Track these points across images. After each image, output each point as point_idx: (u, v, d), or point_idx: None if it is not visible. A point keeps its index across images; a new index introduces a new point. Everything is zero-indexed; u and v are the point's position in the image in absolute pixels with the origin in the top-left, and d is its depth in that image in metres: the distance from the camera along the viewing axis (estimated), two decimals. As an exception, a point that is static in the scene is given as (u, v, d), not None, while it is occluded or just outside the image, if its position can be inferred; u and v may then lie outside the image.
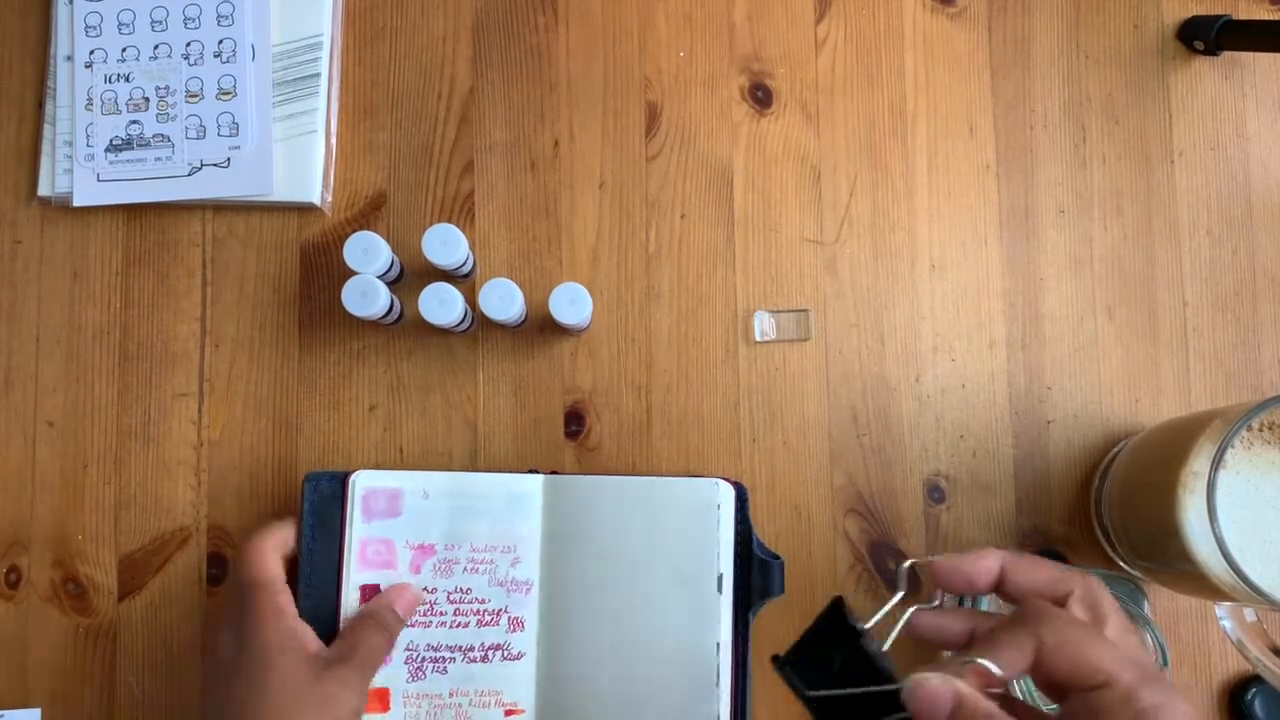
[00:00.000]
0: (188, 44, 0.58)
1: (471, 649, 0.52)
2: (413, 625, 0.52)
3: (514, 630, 0.53)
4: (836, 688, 0.35)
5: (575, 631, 0.52)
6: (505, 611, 0.53)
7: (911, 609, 0.38)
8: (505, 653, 0.52)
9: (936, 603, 0.39)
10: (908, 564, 0.40)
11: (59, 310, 0.58)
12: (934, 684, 0.33)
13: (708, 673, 0.50)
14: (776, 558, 0.53)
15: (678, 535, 0.52)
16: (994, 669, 0.33)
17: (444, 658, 0.52)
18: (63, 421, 0.58)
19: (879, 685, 0.34)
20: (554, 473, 0.54)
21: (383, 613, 0.50)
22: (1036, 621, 0.34)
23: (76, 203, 0.58)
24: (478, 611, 0.53)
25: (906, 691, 0.33)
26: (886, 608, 0.38)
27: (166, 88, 0.58)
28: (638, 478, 0.54)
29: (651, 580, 0.52)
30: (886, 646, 0.36)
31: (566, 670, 0.52)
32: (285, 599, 0.49)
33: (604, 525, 0.53)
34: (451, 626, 0.52)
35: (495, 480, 0.53)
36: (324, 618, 0.51)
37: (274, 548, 0.50)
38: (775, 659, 0.37)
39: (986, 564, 0.38)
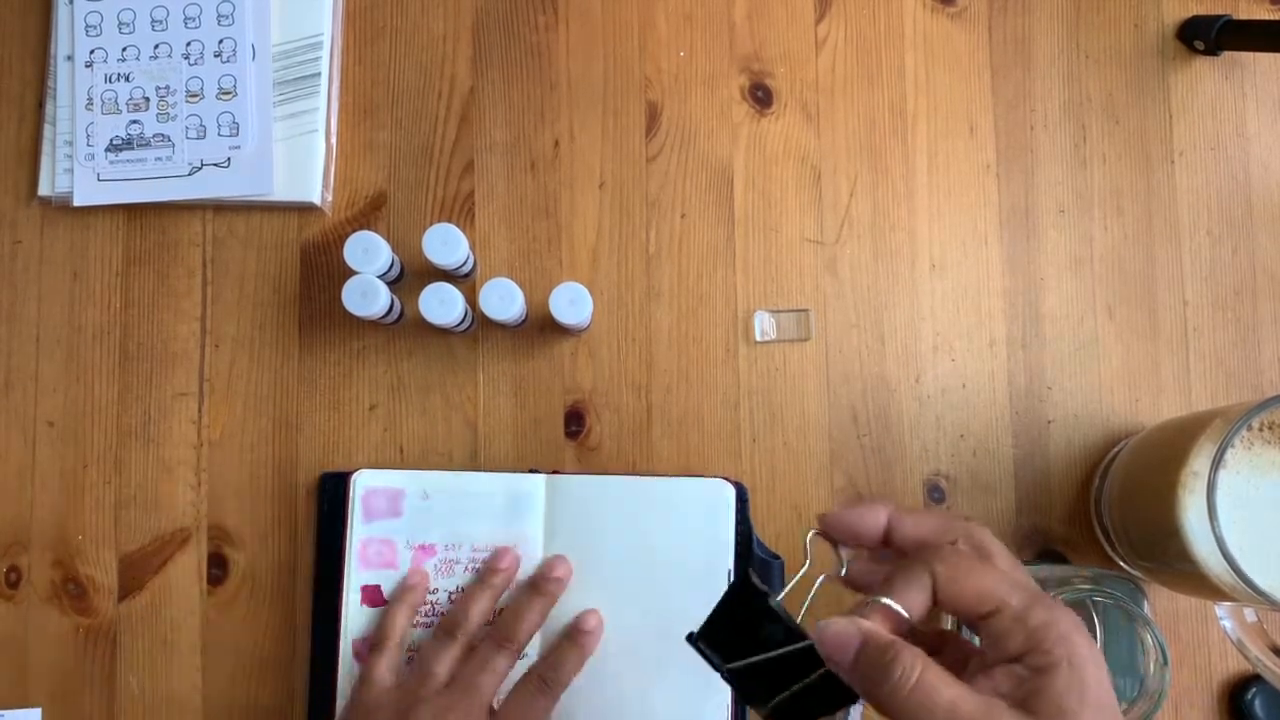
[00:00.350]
0: (188, 44, 0.58)
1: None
2: (415, 625, 0.52)
3: None
4: (751, 656, 0.35)
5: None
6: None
7: (820, 578, 0.38)
8: None
9: (844, 570, 0.39)
10: (811, 533, 0.39)
11: (59, 310, 0.58)
12: (839, 625, 0.34)
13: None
14: (777, 558, 0.53)
15: (686, 534, 0.52)
16: (895, 606, 0.34)
17: None
18: (63, 421, 0.58)
19: (791, 645, 0.35)
20: (555, 472, 0.54)
21: (585, 637, 0.52)
22: (928, 558, 0.35)
23: (76, 202, 0.58)
24: None
25: (816, 639, 0.34)
26: (795, 579, 0.38)
27: (166, 87, 0.58)
28: (642, 477, 0.54)
29: (658, 578, 0.52)
30: (799, 618, 0.36)
31: None
32: None
33: (608, 524, 0.53)
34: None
35: (496, 480, 0.54)
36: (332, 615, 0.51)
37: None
38: (689, 636, 0.37)
39: (874, 517, 0.38)
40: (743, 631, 0.35)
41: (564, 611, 0.52)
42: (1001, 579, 0.35)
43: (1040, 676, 0.33)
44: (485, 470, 0.57)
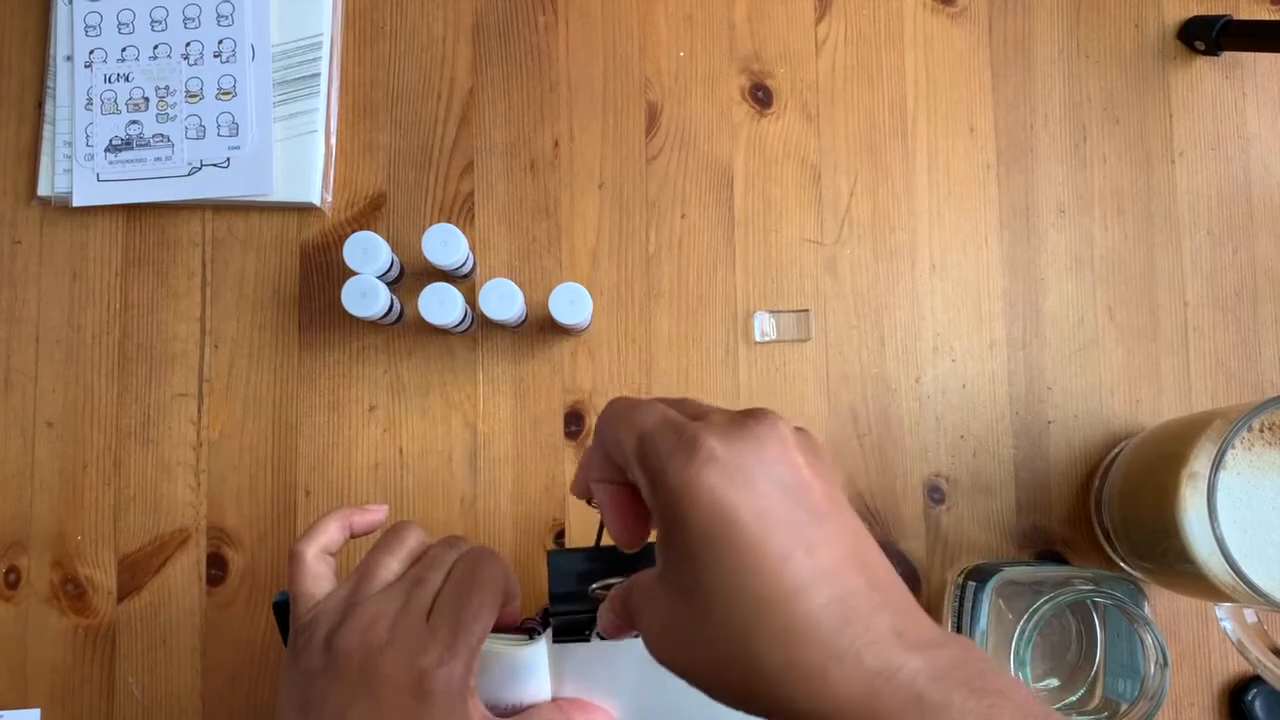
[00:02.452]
0: (187, 44, 0.58)
1: None
2: None
3: None
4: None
5: None
6: None
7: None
8: None
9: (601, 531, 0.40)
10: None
11: (58, 310, 0.58)
12: (601, 621, 0.36)
13: None
14: None
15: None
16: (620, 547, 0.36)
17: None
18: (62, 422, 0.58)
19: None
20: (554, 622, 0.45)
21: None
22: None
23: (76, 203, 0.58)
24: None
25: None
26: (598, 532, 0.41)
27: (166, 88, 0.58)
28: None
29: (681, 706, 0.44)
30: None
31: None
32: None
33: (617, 669, 0.45)
34: None
35: (490, 652, 0.44)
36: None
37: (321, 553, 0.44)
38: (555, 640, 0.42)
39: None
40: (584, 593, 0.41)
41: None
42: (633, 426, 0.32)
43: (657, 521, 0.31)
44: (485, 471, 0.57)
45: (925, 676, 0.27)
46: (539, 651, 0.43)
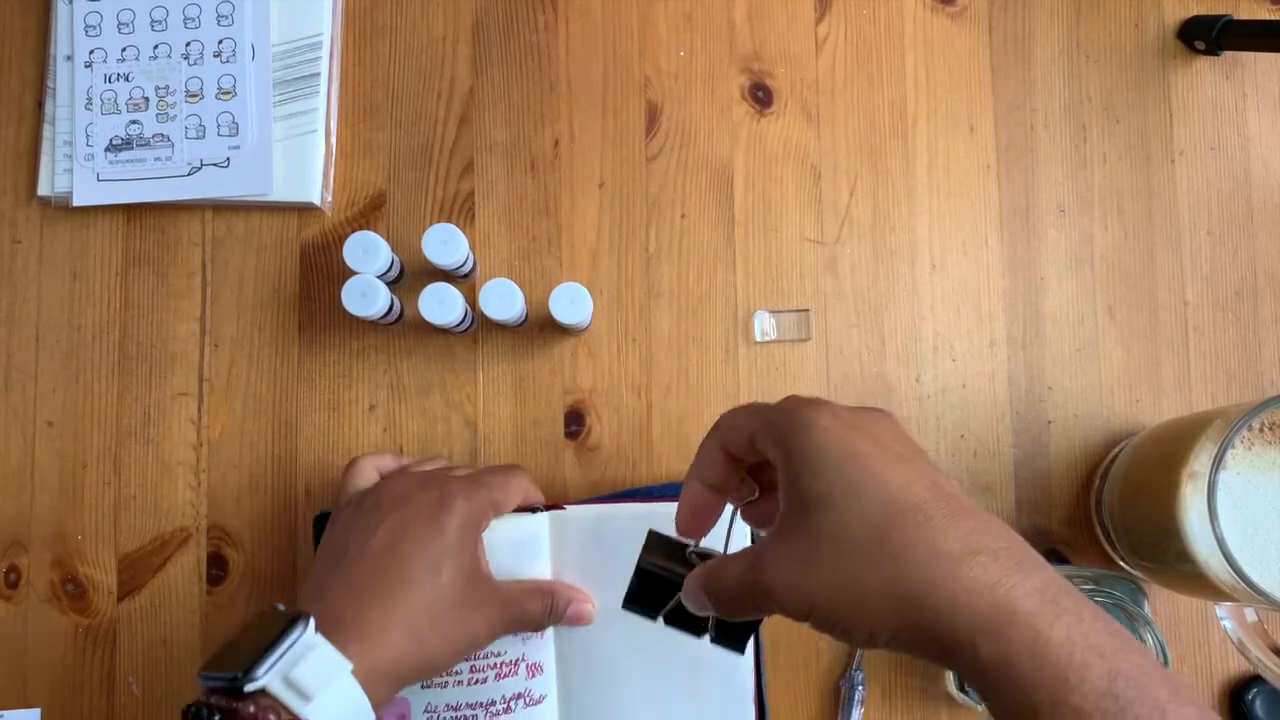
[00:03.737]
0: (187, 44, 0.58)
1: (493, 704, 0.50)
2: (428, 687, 0.50)
3: (533, 676, 0.51)
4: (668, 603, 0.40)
5: (595, 664, 0.51)
6: (523, 660, 0.51)
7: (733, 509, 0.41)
8: (527, 699, 0.51)
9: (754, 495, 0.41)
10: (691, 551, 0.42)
11: (59, 310, 0.58)
12: (687, 588, 0.37)
13: (741, 683, 0.50)
14: None
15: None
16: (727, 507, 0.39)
17: (465, 717, 0.50)
18: (62, 421, 0.58)
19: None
20: (555, 506, 0.52)
21: (559, 598, 0.49)
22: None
23: (76, 203, 0.58)
24: (494, 665, 0.50)
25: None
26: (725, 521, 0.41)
27: (166, 87, 0.58)
28: (649, 504, 0.51)
29: (678, 652, 0.49)
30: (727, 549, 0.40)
31: (591, 703, 0.51)
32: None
33: (617, 556, 0.48)
34: (469, 684, 0.50)
35: (496, 526, 0.50)
36: None
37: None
38: (627, 604, 0.42)
39: (708, 509, 0.40)
40: (661, 584, 0.41)
41: (583, 646, 0.50)
42: (755, 411, 0.36)
43: (785, 468, 0.34)
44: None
45: (1056, 588, 0.30)
46: (539, 524, 0.50)
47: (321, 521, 0.54)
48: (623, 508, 0.51)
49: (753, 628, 0.41)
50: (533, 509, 0.51)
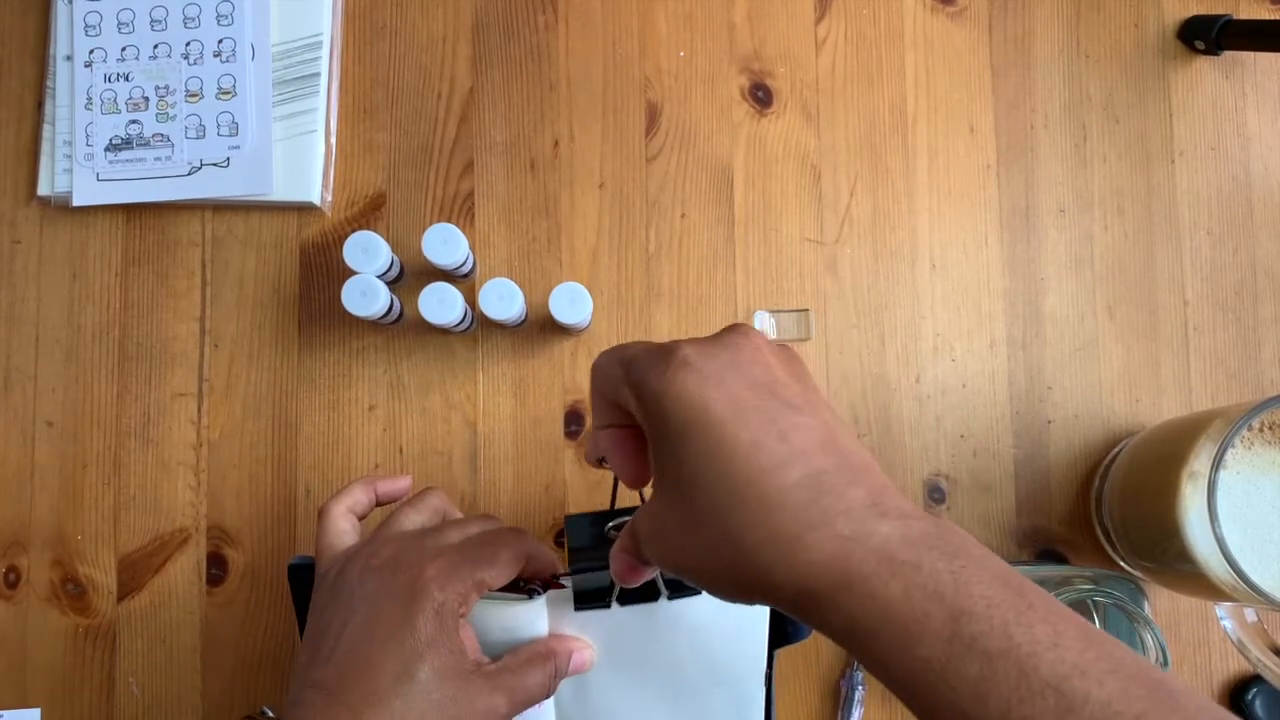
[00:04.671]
0: (187, 43, 0.58)
1: None
2: None
3: None
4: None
5: (595, 707, 0.47)
6: None
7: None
8: None
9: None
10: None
11: (58, 310, 0.58)
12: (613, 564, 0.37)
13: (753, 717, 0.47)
14: None
15: (719, 652, 0.46)
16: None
17: None
18: (62, 421, 0.58)
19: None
20: (554, 583, 0.46)
21: (560, 658, 0.44)
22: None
23: (76, 202, 0.58)
24: None
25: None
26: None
27: (166, 87, 0.58)
28: (663, 593, 0.45)
29: (685, 686, 0.46)
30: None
31: None
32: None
33: (625, 650, 0.45)
34: None
35: (488, 612, 0.44)
36: None
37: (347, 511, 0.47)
38: (577, 606, 0.43)
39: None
40: (596, 575, 0.43)
41: (580, 685, 0.46)
42: (620, 361, 0.34)
43: (647, 433, 0.33)
44: (484, 470, 0.57)
45: (897, 541, 0.28)
46: (538, 609, 0.45)
47: (294, 573, 0.49)
48: (638, 613, 0.45)
49: None
50: (530, 591, 0.45)
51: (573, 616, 0.45)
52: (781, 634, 0.47)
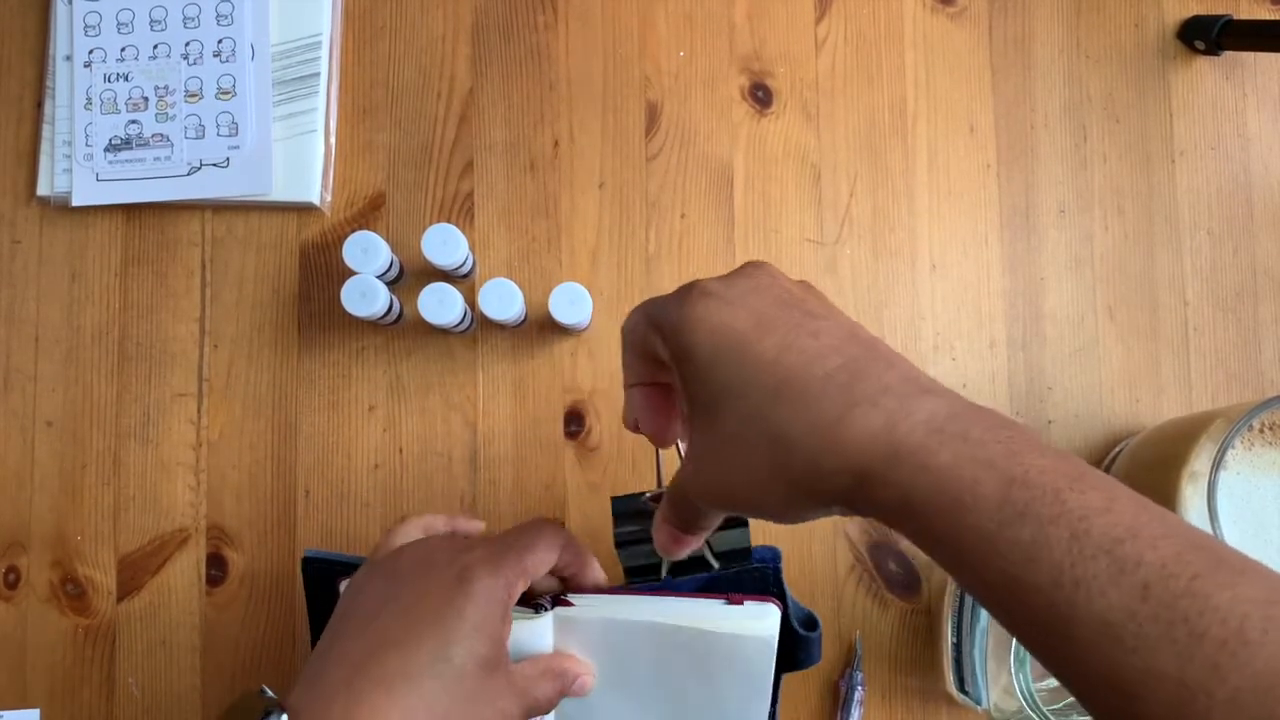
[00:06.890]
0: (187, 44, 0.58)
1: None
2: None
3: None
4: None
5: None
6: None
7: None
8: None
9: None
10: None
11: (58, 310, 0.58)
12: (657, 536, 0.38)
13: None
14: (815, 626, 0.47)
15: (724, 687, 0.45)
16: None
17: None
18: (61, 422, 0.58)
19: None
20: (562, 600, 0.45)
21: (568, 677, 0.44)
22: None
23: (75, 203, 0.58)
24: None
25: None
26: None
27: (166, 87, 0.58)
28: (660, 605, 0.45)
29: (687, 716, 0.46)
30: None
31: None
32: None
33: (627, 672, 0.45)
34: None
35: None
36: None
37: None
38: (629, 581, 0.45)
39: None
40: (644, 548, 0.43)
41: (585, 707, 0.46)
42: (646, 312, 0.35)
43: (677, 373, 0.33)
44: (483, 469, 0.57)
45: (944, 414, 0.28)
46: (544, 628, 0.44)
47: (308, 565, 0.50)
48: (635, 609, 0.45)
49: (743, 535, 0.43)
50: (536, 606, 0.45)
51: (577, 638, 0.45)
52: (791, 659, 0.46)
